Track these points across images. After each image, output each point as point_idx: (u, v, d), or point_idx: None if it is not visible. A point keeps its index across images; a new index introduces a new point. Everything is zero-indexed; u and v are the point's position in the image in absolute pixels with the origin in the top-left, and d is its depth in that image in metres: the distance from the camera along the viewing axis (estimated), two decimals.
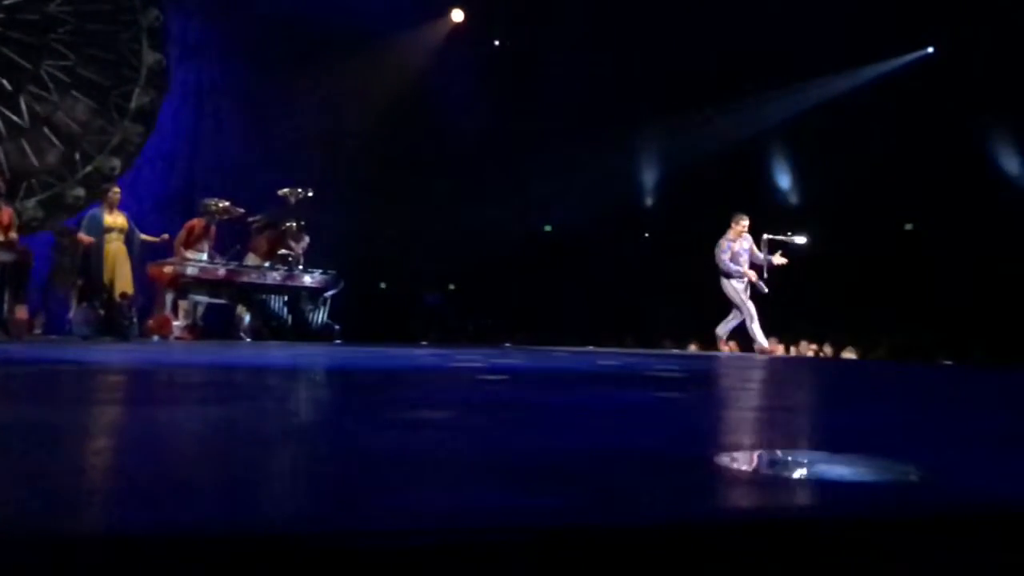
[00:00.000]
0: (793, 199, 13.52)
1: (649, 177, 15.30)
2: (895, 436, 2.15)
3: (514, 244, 14.29)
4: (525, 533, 1.03)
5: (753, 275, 9.94)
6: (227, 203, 10.57)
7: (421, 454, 1.60)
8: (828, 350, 11.04)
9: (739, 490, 1.35)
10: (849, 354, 11.12)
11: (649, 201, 15.42)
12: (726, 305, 10.00)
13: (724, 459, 1.51)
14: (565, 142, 13.56)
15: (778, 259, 10.02)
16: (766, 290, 9.88)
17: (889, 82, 12.55)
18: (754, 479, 1.41)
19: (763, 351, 9.78)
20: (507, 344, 10.98)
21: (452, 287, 15.16)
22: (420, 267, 14.27)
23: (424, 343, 10.96)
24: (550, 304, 13.61)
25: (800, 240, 10.19)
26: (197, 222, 10.53)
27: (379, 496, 1.21)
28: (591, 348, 10.09)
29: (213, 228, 10.58)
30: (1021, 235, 11.76)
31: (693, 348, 11.68)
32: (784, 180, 13.84)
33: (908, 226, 11.67)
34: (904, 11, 11.83)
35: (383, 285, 14.60)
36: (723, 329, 10.00)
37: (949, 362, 9.67)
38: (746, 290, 9.97)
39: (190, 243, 10.35)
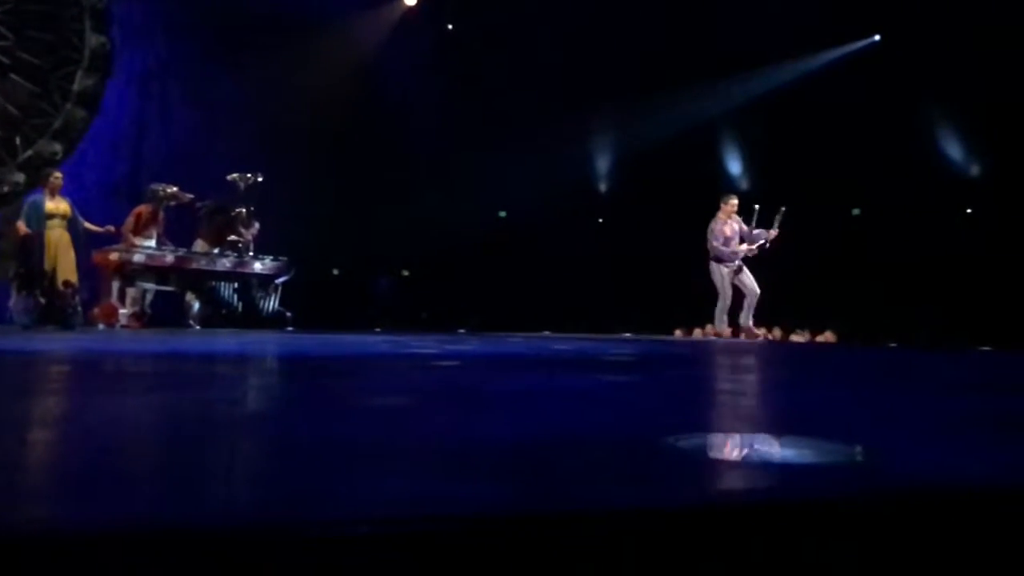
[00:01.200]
0: (743, 185, 13.65)
1: (603, 163, 15.35)
2: (842, 418, 2.18)
3: (469, 230, 14.24)
4: (467, 522, 1.02)
5: (748, 249, 9.86)
6: (175, 188, 10.38)
7: (368, 442, 1.58)
8: (777, 333, 11.18)
9: (682, 474, 1.35)
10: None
11: (603, 187, 15.47)
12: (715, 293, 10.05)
13: (669, 443, 1.51)
14: (519, 127, 13.52)
15: (772, 234, 9.95)
16: (767, 245, 9.90)
17: (837, 69, 12.73)
18: (697, 463, 1.42)
19: (717, 334, 9.84)
20: (462, 330, 10.97)
21: (406, 273, 15.08)
22: (373, 253, 14.16)
23: (378, 330, 10.89)
24: (505, 290, 13.60)
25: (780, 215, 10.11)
26: (144, 208, 10.33)
27: (323, 485, 1.19)
28: (546, 333, 10.13)
29: (162, 214, 10.38)
30: (963, 219, 12.05)
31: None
32: (735, 166, 13.98)
33: (855, 211, 11.87)
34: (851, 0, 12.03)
35: (336, 272, 14.47)
36: (744, 318, 9.90)
37: (894, 344, 9.86)
38: (731, 275, 9.89)
39: (138, 230, 10.15)
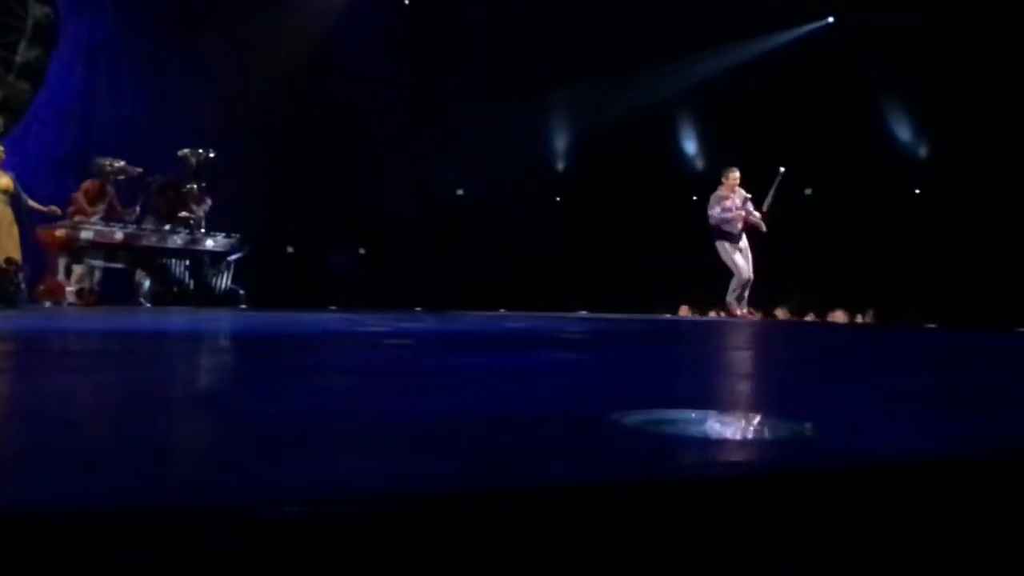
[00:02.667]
0: (699, 164, 13.76)
1: (560, 142, 15.36)
2: (790, 395, 2.20)
3: (426, 208, 14.18)
4: (409, 500, 1.01)
5: (751, 218, 9.50)
6: (122, 163, 10.15)
7: (309, 422, 1.56)
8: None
9: (625, 450, 1.35)
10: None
11: (560, 166, 15.48)
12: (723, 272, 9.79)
13: (614, 419, 1.52)
14: (476, 106, 13.46)
15: (767, 204, 9.71)
16: (764, 228, 9.58)
17: (791, 50, 12.85)
18: (641, 439, 1.42)
19: (732, 314, 9.49)
20: (418, 308, 10.92)
21: (362, 251, 14.97)
22: (329, 231, 14.03)
23: (333, 308, 10.80)
24: (462, 268, 13.57)
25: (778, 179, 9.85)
26: (91, 184, 10.08)
27: (262, 466, 1.17)
28: (502, 311, 10.13)
29: (110, 189, 10.15)
30: (912, 199, 12.28)
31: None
32: (691, 146, 14.07)
33: (808, 191, 12.04)
34: None
35: (290, 249, 14.31)
36: (730, 296, 9.62)
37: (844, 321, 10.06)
38: (736, 249, 9.51)
39: (84, 206, 9.91)
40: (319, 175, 13.34)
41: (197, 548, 0.88)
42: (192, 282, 10.45)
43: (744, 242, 9.63)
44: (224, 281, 10.61)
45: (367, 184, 13.56)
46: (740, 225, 9.59)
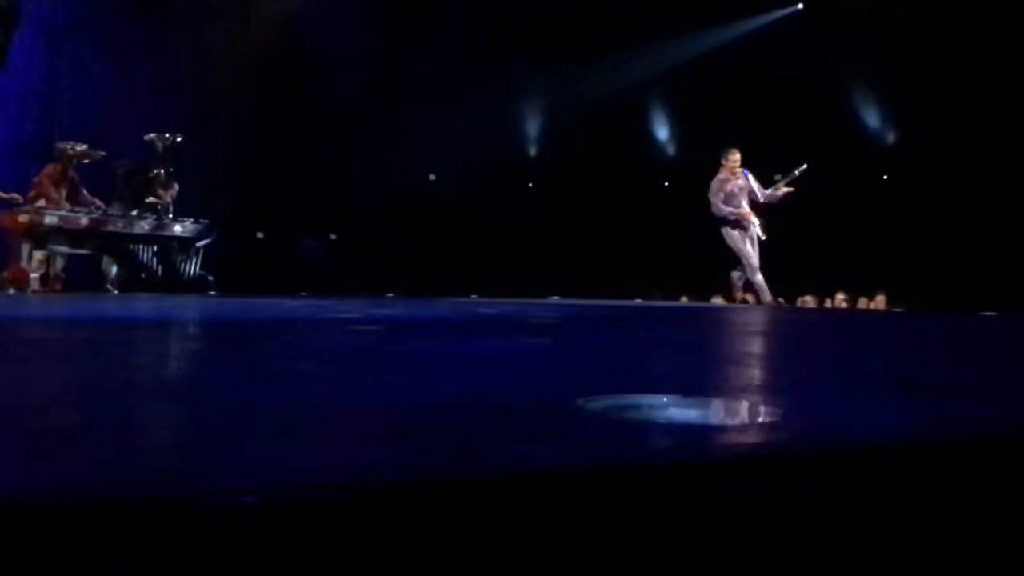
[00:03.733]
0: (670, 150, 13.81)
1: (532, 127, 15.35)
2: (757, 379, 2.21)
3: (398, 193, 14.11)
4: (366, 489, 0.99)
5: (753, 217, 9.16)
6: (84, 146, 9.97)
7: (268, 409, 1.53)
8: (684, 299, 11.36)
9: (590, 436, 1.34)
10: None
11: (533, 151, 15.47)
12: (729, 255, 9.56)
13: (580, 405, 1.51)
14: (448, 90, 13.40)
15: (784, 188, 9.36)
16: (764, 236, 9.22)
17: (761, 36, 12.91)
18: (604, 424, 1.41)
19: (767, 303, 9.07)
20: (390, 294, 10.88)
21: (333, 237, 14.88)
22: (299, 216, 13.93)
23: (303, 294, 10.73)
24: (434, 254, 13.54)
25: (800, 170, 9.45)
26: (52, 168, 9.89)
27: (220, 454, 1.15)
28: (474, 297, 10.11)
29: (72, 174, 9.97)
30: (881, 186, 12.42)
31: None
32: (662, 132, 14.12)
33: (777, 176, 12.11)
34: None
35: (260, 235, 14.19)
36: (736, 276, 9.34)
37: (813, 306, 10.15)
38: (746, 237, 9.16)
39: (45, 192, 9.71)
40: (289, 160, 13.23)
41: (141, 539, 0.86)
42: (160, 268, 10.33)
43: (754, 230, 9.27)
44: (193, 267, 10.51)
45: (338, 169, 13.47)
46: (753, 228, 9.24)
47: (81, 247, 9.96)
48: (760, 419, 1.48)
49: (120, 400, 1.66)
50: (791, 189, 9.37)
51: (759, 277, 9.13)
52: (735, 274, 9.35)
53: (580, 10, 12.80)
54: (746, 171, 9.46)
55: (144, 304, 6.68)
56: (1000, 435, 1.35)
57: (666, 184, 13.90)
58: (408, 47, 13.86)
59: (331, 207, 13.92)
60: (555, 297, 10.77)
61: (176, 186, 10.60)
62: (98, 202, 10.10)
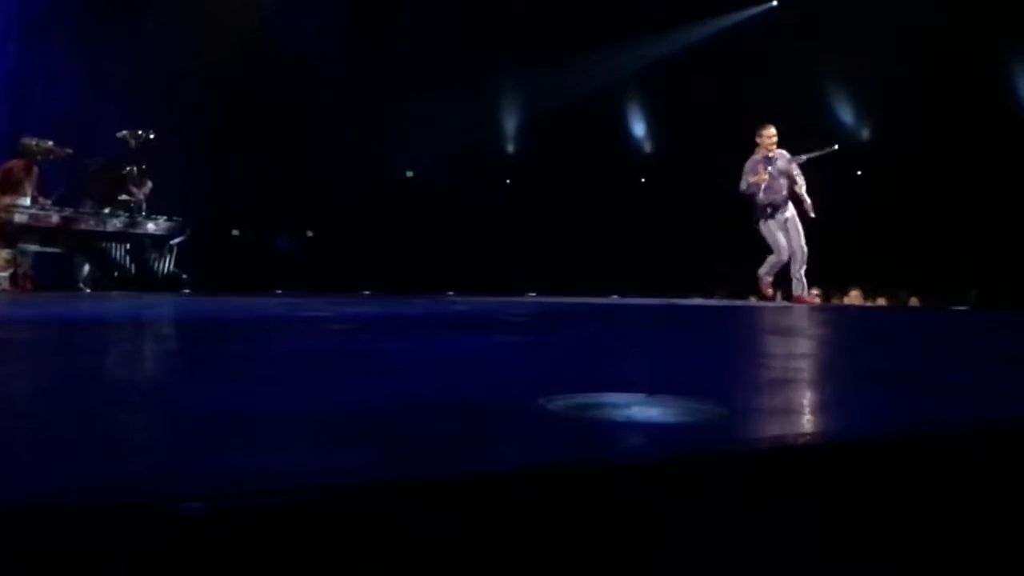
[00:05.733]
0: (647, 147, 13.84)
1: (510, 124, 15.34)
2: (719, 377, 2.21)
3: (375, 190, 14.06)
4: (314, 493, 0.99)
5: (782, 190, 8.24)
6: (50, 143, 9.80)
7: (225, 411, 1.52)
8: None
9: (551, 436, 1.34)
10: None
11: (510, 148, 15.46)
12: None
13: (543, 404, 1.50)
14: (425, 87, 13.35)
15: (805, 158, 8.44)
16: (813, 214, 8.34)
17: (736, 33, 12.98)
18: (566, 424, 1.41)
19: (801, 300, 8.22)
20: (366, 292, 10.83)
21: (310, 234, 14.80)
22: (275, 213, 13.84)
23: (279, 292, 10.66)
24: (411, 251, 13.51)
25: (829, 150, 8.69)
26: (15, 164, 9.71)
27: (168, 460, 1.14)
28: (451, 294, 10.09)
29: (36, 170, 9.80)
30: (853, 182, 12.51)
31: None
32: (639, 128, 14.15)
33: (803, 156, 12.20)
34: None
35: (236, 232, 14.09)
36: (764, 270, 8.52)
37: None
38: (778, 226, 8.22)
39: (9, 188, 9.53)
40: (265, 156, 13.13)
41: (85, 547, 0.85)
42: (133, 267, 10.23)
43: (789, 213, 8.33)
44: (166, 265, 10.41)
45: (314, 165, 13.40)
46: (781, 193, 8.27)
47: (52, 245, 9.83)
48: (719, 417, 1.49)
49: (72, 404, 1.64)
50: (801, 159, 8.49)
51: (795, 268, 8.26)
52: (760, 270, 8.57)
53: (557, 7, 12.81)
54: (786, 153, 8.52)
55: (114, 304, 6.61)
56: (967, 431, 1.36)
57: (642, 180, 13.95)
58: (385, 43, 13.80)
59: (307, 204, 13.85)
60: (532, 294, 10.78)
61: (149, 183, 10.49)
62: (46, 203, 9.84)
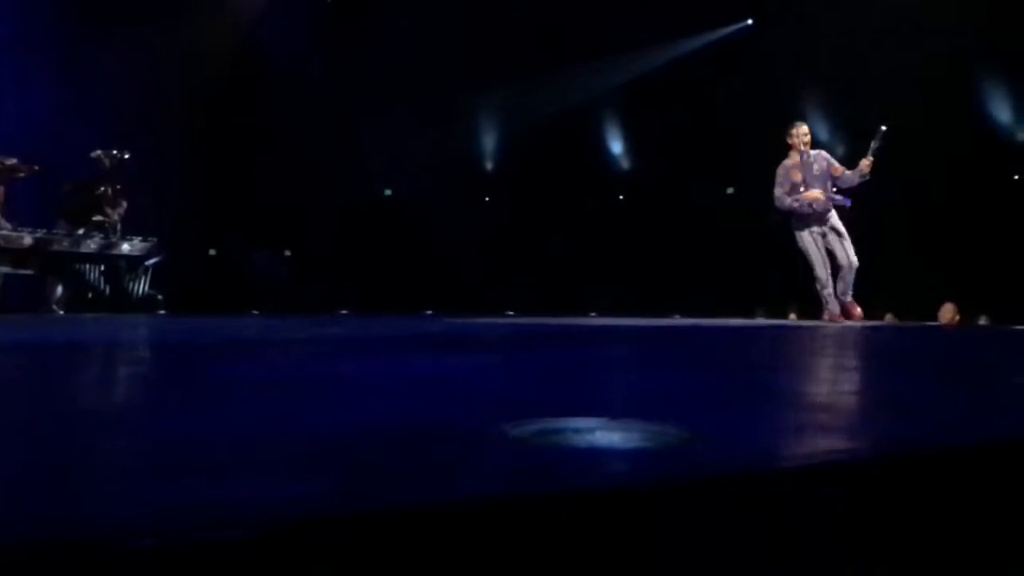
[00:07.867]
0: (624, 164, 13.90)
1: (488, 141, 15.37)
2: (690, 398, 2.20)
3: (352, 208, 14.04)
4: (259, 527, 0.96)
5: (825, 202, 7.46)
6: (14, 160, 9.70)
7: (188, 439, 1.48)
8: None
9: (511, 463, 1.32)
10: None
11: (489, 165, 15.49)
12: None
13: (505, 430, 1.48)
14: (403, 104, 13.37)
15: (865, 163, 7.55)
16: (848, 203, 7.67)
17: (712, 51, 13.10)
18: (526, 451, 1.39)
19: (833, 318, 7.49)
20: (343, 311, 10.79)
21: (288, 253, 14.74)
22: (252, 233, 13.77)
23: (255, 312, 10.60)
24: (389, 269, 13.47)
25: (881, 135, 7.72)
26: None
27: (119, 495, 1.10)
28: (429, 313, 10.06)
29: (1, 188, 9.70)
30: None
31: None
32: (616, 145, 14.22)
33: (729, 190, 12.27)
34: None
35: (212, 252, 14.00)
36: (841, 290, 7.65)
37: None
38: (820, 238, 7.46)
39: None
40: (241, 175, 13.08)
41: None
42: (108, 288, 10.13)
43: (834, 220, 7.60)
44: (142, 286, 10.32)
45: (291, 184, 13.35)
46: (819, 205, 7.49)
47: (25, 267, 9.72)
48: (677, 441, 1.47)
49: (17, 432, 1.59)
50: (870, 159, 7.59)
51: (827, 291, 7.55)
52: (839, 291, 7.67)
53: (534, 24, 12.89)
54: (824, 153, 7.80)
55: (86, 326, 6.54)
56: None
57: (620, 197, 14.00)
58: (362, 61, 13.81)
59: (285, 223, 13.79)
60: (510, 312, 10.76)
61: (124, 203, 10.42)
62: (8, 226, 9.66)
